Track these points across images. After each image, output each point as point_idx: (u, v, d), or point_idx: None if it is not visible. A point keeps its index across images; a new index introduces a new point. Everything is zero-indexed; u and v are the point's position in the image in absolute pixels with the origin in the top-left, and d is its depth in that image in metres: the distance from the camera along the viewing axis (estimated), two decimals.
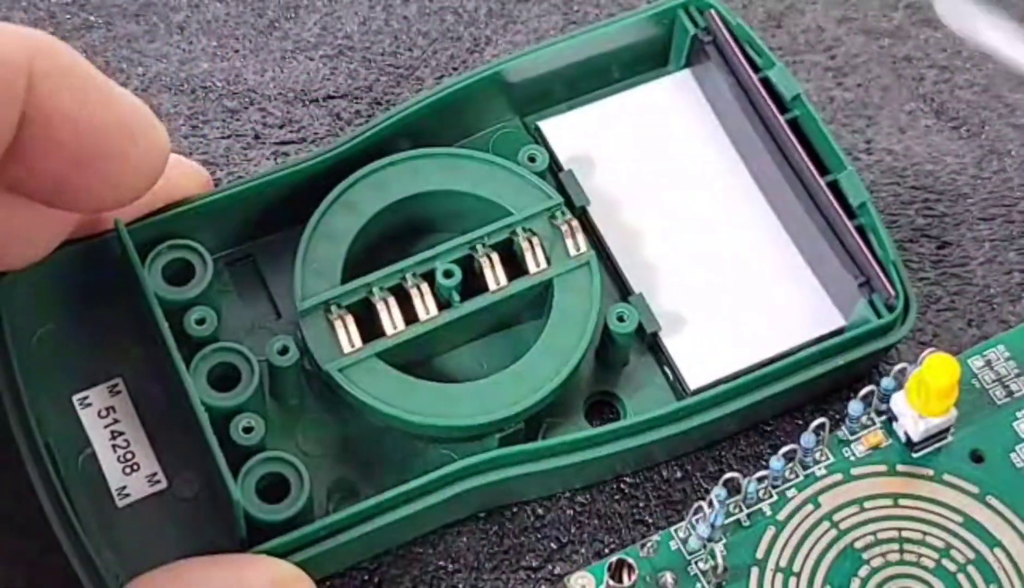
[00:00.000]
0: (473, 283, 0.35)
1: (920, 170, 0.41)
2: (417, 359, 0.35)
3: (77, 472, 0.34)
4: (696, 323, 0.37)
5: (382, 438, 0.35)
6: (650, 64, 0.40)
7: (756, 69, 0.38)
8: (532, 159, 0.37)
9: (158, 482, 0.35)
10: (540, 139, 0.39)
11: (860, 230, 0.36)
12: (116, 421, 0.35)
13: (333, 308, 0.34)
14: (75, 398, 0.35)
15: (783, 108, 0.38)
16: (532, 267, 0.35)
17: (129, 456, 0.35)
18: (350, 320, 0.34)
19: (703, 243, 0.38)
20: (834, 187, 0.37)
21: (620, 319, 0.36)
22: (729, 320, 0.37)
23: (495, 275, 0.35)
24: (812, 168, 0.37)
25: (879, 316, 0.36)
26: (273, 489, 0.33)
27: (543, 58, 0.38)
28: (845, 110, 0.42)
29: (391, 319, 0.35)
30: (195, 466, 0.35)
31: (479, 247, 0.35)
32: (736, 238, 0.38)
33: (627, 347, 0.36)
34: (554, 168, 0.38)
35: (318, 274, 0.35)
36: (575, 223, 0.36)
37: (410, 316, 0.35)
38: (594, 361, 0.36)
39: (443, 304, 0.35)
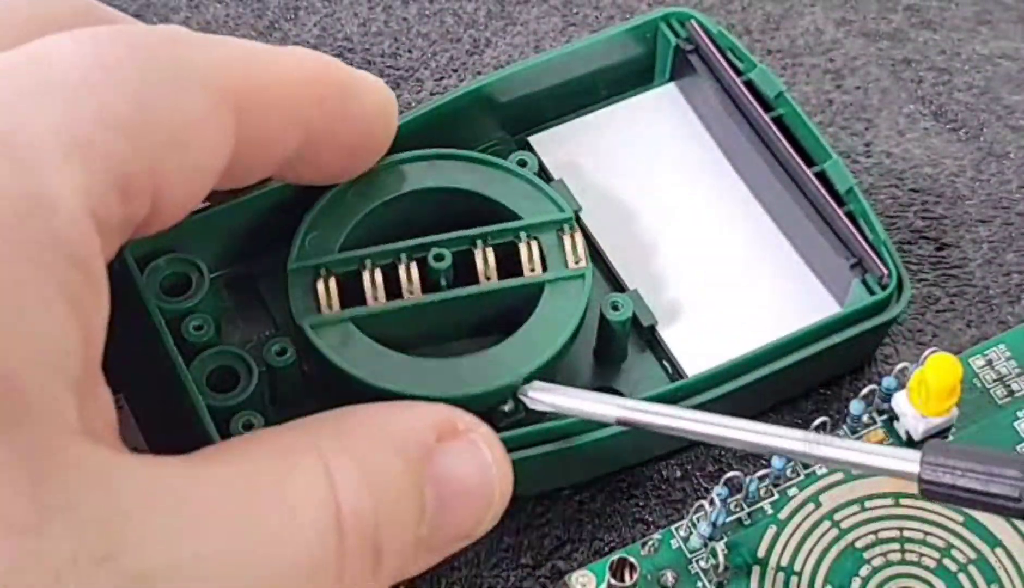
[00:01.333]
0: (468, 278, 0.35)
1: (919, 172, 0.41)
2: (396, 337, 0.35)
3: None
4: (692, 317, 0.37)
5: None
6: (636, 81, 0.41)
7: (739, 73, 0.39)
8: (523, 164, 0.37)
9: None
10: (530, 152, 0.39)
11: (849, 216, 0.37)
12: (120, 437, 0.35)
13: (321, 271, 0.35)
14: None
15: (767, 107, 0.38)
16: (527, 270, 0.35)
17: None
18: (333, 283, 0.34)
19: (695, 242, 0.38)
20: (821, 177, 0.37)
21: (615, 308, 0.36)
22: (726, 313, 0.37)
23: (487, 269, 0.35)
24: (799, 160, 0.37)
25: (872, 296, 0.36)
26: None
27: (527, 76, 0.39)
28: (844, 113, 0.42)
29: (373, 290, 0.35)
30: None
31: (479, 242, 0.35)
32: (728, 235, 0.38)
33: (624, 337, 0.36)
34: (544, 178, 0.38)
35: (315, 243, 0.35)
36: (579, 236, 0.36)
37: (395, 293, 0.35)
38: (592, 359, 0.37)
39: (430, 287, 0.35)
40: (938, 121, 0.42)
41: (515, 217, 0.36)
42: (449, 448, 0.30)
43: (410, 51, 0.42)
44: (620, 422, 0.33)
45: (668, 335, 0.37)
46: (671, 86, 0.41)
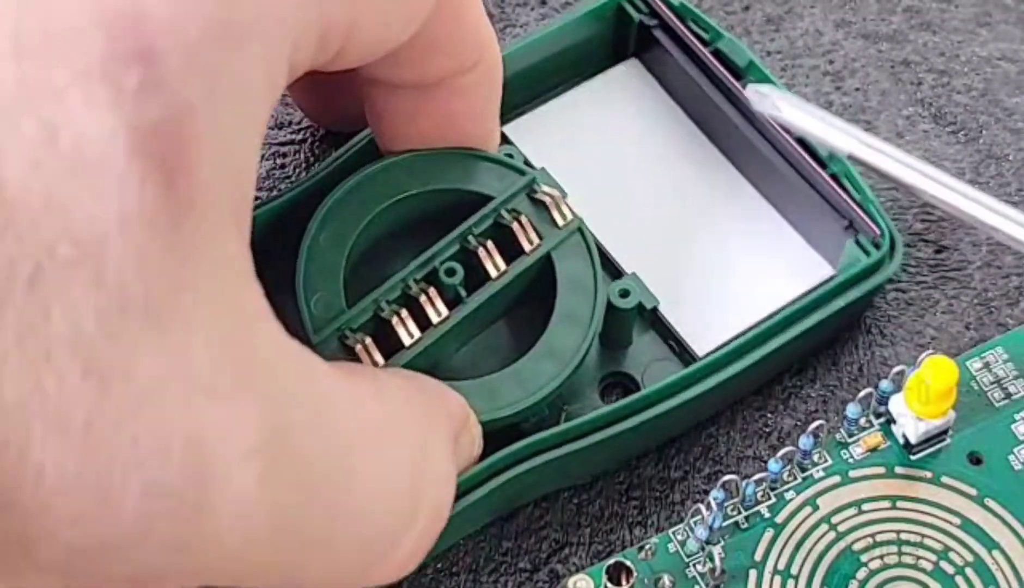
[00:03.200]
0: (474, 275, 0.35)
1: None
2: (437, 360, 0.35)
3: None
4: (692, 294, 0.37)
5: None
6: (601, 60, 0.41)
7: (705, 44, 0.39)
8: (508, 157, 0.37)
9: None
10: (507, 143, 0.39)
11: (834, 178, 0.37)
12: None
13: (348, 333, 0.34)
14: None
15: (738, 76, 0.39)
16: (527, 245, 0.35)
17: None
18: (369, 342, 0.34)
19: (684, 218, 0.39)
20: (802, 142, 0.37)
21: (623, 295, 0.36)
22: (723, 286, 0.38)
23: (494, 262, 0.35)
24: (777, 126, 0.38)
25: (868, 256, 0.37)
26: None
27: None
28: (843, 114, 0.42)
29: (407, 330, 0.34)
30: None
31: (471, 239, 0.35)
32: (714, 208, 0.39)
33: (632, 322, 0.36)
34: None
35: (322, 305, 0.34)
36: (556, 193, 0.35)
37: (423, 322, 0.34)
38: (599, 344, 0.37)
39: (451, 303, 0.35)
40: (937, 123, 0.42)
41: (483, 196, 0.35)
42: (467, 432, 0.33)
43: None
44: (851, 158, 0.31)
45: (671, 315, 0.37)
46: (634, 62, 0.41)
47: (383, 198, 0.35)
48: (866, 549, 0.34)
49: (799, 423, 0.37)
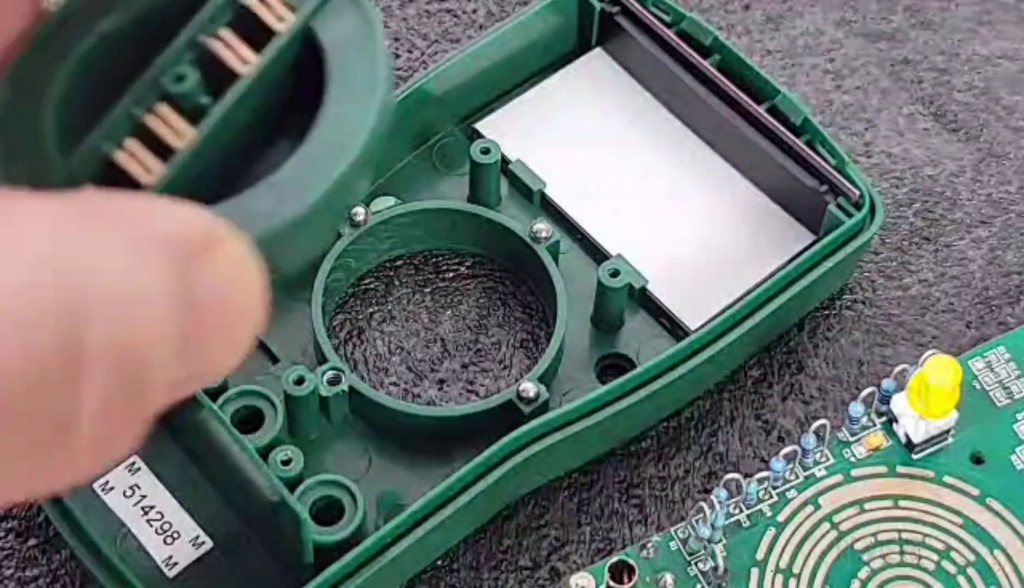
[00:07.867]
0: (219, 81, 0.24)
1: (918, 173, 0.41)
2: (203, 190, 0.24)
3: (119, 553, 0.34)
4: (678, 272, 0.38)
5: (408, 450, 0.36)
6: (566, 52, 0.41)
7: (669, 25, 0.39)
8: (486, 151, 0.38)
9: (203, 544, 0.34)
10: (480, 138, 0.39)
11: (809, 145, 0.37)
12: (144, 497, 0.35)
13: None
14: (96, 485, 0.35)
15: (705, 54, 0.39)
16: (276, 25, 0.24)
17: (167, 526, 0.35)
18: None
19: (664, 198, 0.39)
20: (773, 113, 0.38)
21: (614, 274, 0.36)
22: (709, 261, 0.38)
23: (237, 53, 0.24)
24: (748, 100, 0.38)
25: (849, 217, 0.37)
26: (322, 514, 0.33)
27: (461, 67, 0.39)
28: (844, 113, 0.42)
29: (142, 166, 0.23)
30: (236, 517, 0.35)
31: (202, 38, 0.24)
32: (694, 187, 0.39)
33: (623, 303, 0.37)
34: (503, 161, 0.39)
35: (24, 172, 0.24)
36: None
37: (161, 150, 0.24)
38: (591, 327, 0.37)
39: (195, 117, 0.24)
40: (938, 122, 0.42)
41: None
42: (213, 258, 0.22)
43: (410, 51, 0.42)
44: None
45: (660, 293, 0.37)
46: (599, 51, 0.41)
47: (71, 48, 0.25)
48: (868, 548, 0.34)
49: (800, 422, 0.37)
